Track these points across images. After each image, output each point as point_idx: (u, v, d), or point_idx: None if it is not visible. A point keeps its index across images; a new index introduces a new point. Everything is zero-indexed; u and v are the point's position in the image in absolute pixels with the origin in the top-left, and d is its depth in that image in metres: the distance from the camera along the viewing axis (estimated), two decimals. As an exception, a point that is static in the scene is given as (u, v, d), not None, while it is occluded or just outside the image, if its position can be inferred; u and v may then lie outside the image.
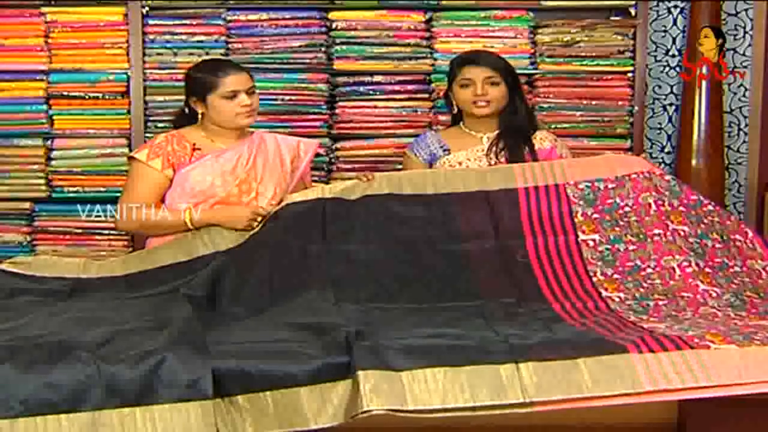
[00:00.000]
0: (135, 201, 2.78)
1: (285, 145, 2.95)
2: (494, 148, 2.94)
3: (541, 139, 3.00)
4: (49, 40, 3.71)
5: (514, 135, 2.95)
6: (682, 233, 2.52)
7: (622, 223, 2.56)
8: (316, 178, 3.49)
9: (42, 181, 3.74)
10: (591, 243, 2.53)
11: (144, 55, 3.71)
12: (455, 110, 3.02)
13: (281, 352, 1.93)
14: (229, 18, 3.73)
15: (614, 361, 1.88)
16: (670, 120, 4.12)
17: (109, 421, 1.78)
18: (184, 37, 3.73)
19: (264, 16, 3.74)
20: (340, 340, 1.96)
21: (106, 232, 3.76)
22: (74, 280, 2.58)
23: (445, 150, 2.98)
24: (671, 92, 4.10)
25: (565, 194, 2.64)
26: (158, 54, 3.73)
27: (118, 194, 3.67)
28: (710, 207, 2.60)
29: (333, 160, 3.78)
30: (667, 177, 2.67)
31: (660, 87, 4.09)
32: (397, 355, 1.89)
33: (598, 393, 1.85)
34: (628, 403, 1.86)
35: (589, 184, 2.65)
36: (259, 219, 2.66)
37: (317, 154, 3.42)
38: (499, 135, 2.97)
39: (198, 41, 3.73)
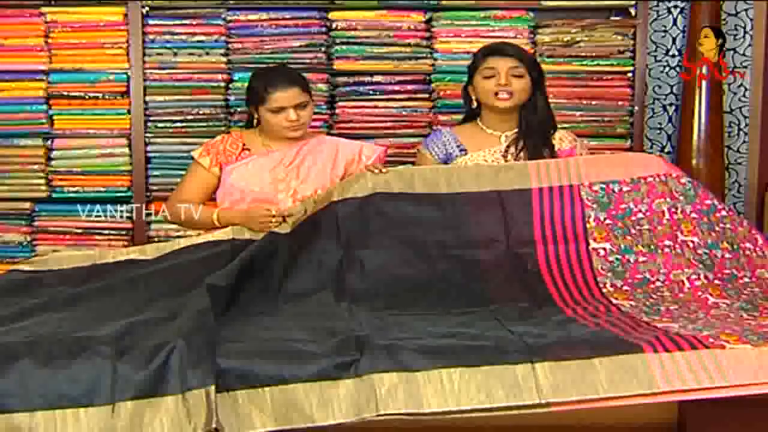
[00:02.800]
0: (181, 196, 2.89)
1: (344, 150, 2.96)
2: (512, 149, 2.88)
3: (561, 140, 2.95)
4: (49, 40, 3.70)
5: (534, 135, 2.88)
6: (691, 244, 2.52)
7: (634, 231, 2.55)
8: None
9: (42, 181, 3.74)
10: (602, 252, 2.52)
11: (144, 55, 3.71)
12: (474, 105, 2.95)
13: (286, 351, 1.94)
14: (229, 18, 3.73)
15: (630, 361, 1.88)
16: (670, 120, 4.12)
17: (125, 413, 1.81)
18: (184, 37, 3.73)
19: (264, 16, 3.74)
20: (350, 341, 1.96)
21: (106, 232, 3.76)
22: (90, 265, 2.59)
23: (461, 150, 2.91)
24: (671, 92, 4.10)
25: (579, 197, 2.60)
26: (158, 54, 3.73)
27: (119, 194, 3.75)
28: (724, 212, 2.57)
29: (333, 160, 3.78)
30: (684, 180, 2.63)
31: (660, 87, 4.10)
32: (413, 355, 1.89)
33: (613, 393, 1.85)
34: (643, 403, 1.86)
35: (604, 186, 2.61)
36: (274, 219, 2.66)
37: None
38: (518, 134, 2.91)
39: (198, 41, 3.73)
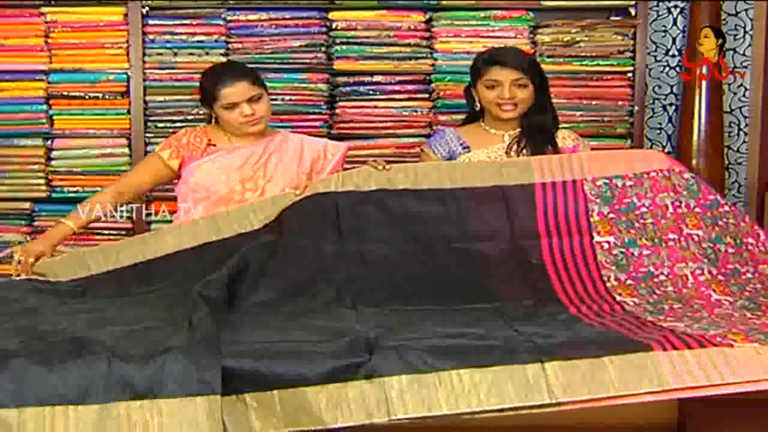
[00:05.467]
0: (126, 180, 2.91)
1: (309, 147, 2.94)
2: (515, 146, 2.87)
3: (563, 138, 2.94)
4: (49, 40, 3.71)
5: (537, 134, 2.88)
6: (696, 238, 2.52)
7: (637, 224, 2.55)
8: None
9: (42, 181, 3.75)
10: (606, 245, 2.52)
11: (144, 55, 3.72)
12: (477, 107, 2.94)
13: (294, 352, 1.92)
14: (229, 18, 3.74)
15: (639, 360, 1.88)
16: (670, 120, 4.12)
17: (116, 414, 1.78)
18: (184, 37, 3.73)
19: (264, 16, 3.74)
20: (359, 342, 1.95)
21: (106, 232, 3.76)
22: (86, 280, 2.57)
23: (465, 147, 2.91)
24: (671, 92, 4.10)
25: (583, 191, 2.60)
26: (158, 54, 3.73)
27: (118, 194, 3.73)
28: (726, 208, 2.58)
29: (333, 160, 3.78)
30: (686, 175, 2.63)
31: (660, 87, 4.10)
32: (422, 356, 1.87)
33: (624, 392, 1.84)
34: (653, 401, 1.86)
35: (607, 181, 2.61)
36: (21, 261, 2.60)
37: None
38: (521, 133, 2.90)
39: (198, 41, 3.74)
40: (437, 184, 2.64)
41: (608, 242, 2.53)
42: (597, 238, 2.53)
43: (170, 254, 2.60)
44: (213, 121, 2.90)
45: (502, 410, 1.83)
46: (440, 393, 1.83)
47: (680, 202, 2.57)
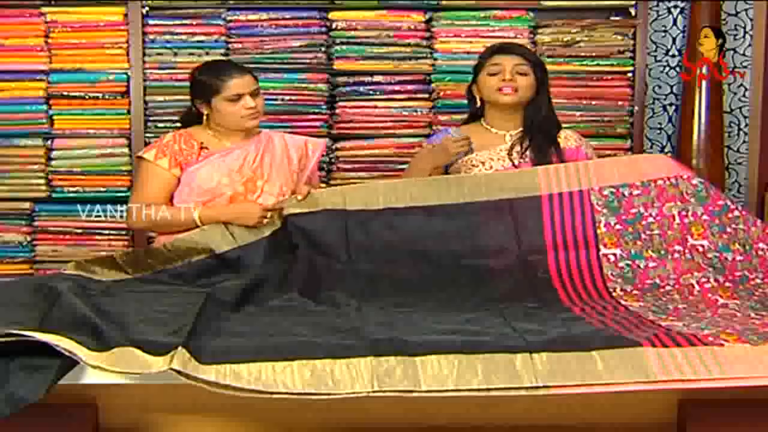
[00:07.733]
0: (145, 200, 2.79)
1: (293, 144, 2.95)
2: (518, 147, 2.88)
3: (566, 138, 2.95)
4: (49, 40, 3.71)
5: (539, 134, 2.89)
6: (700, 248, 2.52)
7: (644, 236, 2.55)
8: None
9: (42, 181, 3.74)
10: (612, 258, 2.53)
11: (144, 55, 3.71)
12: (478, 104, 2.96)
13: (288, 340, 1.96)
14: (229, 18, 3.74)
15: (627, 354, 1.89)
16: (670, 120, 4.12)
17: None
18: (184, 37, 3.73)
19: (264, 16, 3.74)
20: (352, 332, 2.00)
21: (106, 232, 3.76)
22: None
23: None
24: (671, 92, 4.10)
25: (589, 202, 2.60)
26: (158, 54, 3.73)
27: (119, 194, 3.73)
28: (736, 213, 2.56)
29: (333, 160, 3.78)
30: (695, 181, 2.62)
31: (660, 87, 4.09)
32: (413, 345, 1.91)
33: (611, 380, 1.85)
34: (642, 391, 1.87)
35: (614, 191, 2.61)
36: (269, 215, 2.66)
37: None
38: (522, 133, 2.92)
39: (198, 41, 3.74)
40: (445, 200, 2.65)
41: (614, 255, 2.53)
42: (603, 250, 2.54)
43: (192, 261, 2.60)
44: (205, 119, 2.87)
45: (488, 389, 1.84)
46: (427, 372, 1.85)
47: (687, 211, 2.57)
